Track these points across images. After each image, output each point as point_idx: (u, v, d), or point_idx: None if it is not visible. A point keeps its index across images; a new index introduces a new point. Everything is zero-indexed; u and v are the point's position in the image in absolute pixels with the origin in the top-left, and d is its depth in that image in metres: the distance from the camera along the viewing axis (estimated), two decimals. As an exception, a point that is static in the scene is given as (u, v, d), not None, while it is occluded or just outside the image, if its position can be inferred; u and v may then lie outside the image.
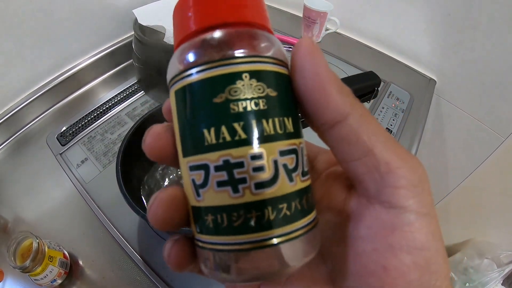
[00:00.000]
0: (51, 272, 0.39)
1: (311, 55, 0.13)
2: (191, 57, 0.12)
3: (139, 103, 0.60)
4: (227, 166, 0.11)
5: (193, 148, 0.12)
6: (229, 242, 0.11)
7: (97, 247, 0.44)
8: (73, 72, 0.63)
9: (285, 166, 0.11)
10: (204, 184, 0.12)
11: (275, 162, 0.11)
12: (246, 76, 0.12)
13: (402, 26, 0.74)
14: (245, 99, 0.11)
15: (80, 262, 0.43)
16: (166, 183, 0.46)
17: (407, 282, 0.12)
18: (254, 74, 0.12)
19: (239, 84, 0.11)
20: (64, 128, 0.57)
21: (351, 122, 0.12)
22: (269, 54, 0.13)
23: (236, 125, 0.11)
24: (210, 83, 0.12)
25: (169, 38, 0.54)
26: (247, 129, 0.11)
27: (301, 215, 0.12)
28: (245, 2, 0.13)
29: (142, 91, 0.61)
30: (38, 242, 0.38)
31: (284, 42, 0.76)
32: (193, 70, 0.12)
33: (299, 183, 0.12)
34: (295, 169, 0.12)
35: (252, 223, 0.11)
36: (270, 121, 0.11)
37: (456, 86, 0.74)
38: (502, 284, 0.90)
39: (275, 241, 0.11)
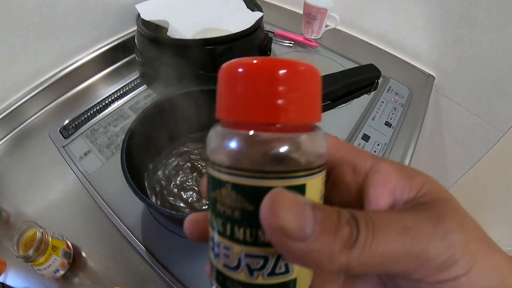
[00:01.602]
0: (54, 262, 0.39)
1: None
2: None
3: (142, 96, 0.61)
4: (212, 241, 0.14)
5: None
6: None
7: (100, 238, 0.44)
8: (76, 67, 0.63)
9: (247, 264, 0.13)
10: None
11: (239, 259, 0.13)
12: (228, 187, 0.13)
13: (401, 23, 0.75)
14: (225, 205, 0.13)
15: (83, 253, 0.43)
16: (174, 175, 0.47)
17: None
18: (234, 187, 0.13)
19: (223, 191, 0.13)
20: (67, 121, 0.57)
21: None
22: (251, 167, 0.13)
23: (218, 219, 0.13)
24: (211, 180, 0.14)
25: (172, 32, 0.54)
26: (223, 227, 0.13)
27: None
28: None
29: (145, 85, 0.62)
30: (42, 232, 0.38)
31: (285, 38, 0.77)
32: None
33: (260, 279, 0.13)
34: (259, 269, 0.13)
35: (220, 281, 0.14)
36: (241, 229, 0.13)
37: (455, 82, 0.75)
38: (501, 280, 0.91)
39: None
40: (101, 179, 0.49)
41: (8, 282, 0.40)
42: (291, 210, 0.11)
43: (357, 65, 0.71)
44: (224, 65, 0.13)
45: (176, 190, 0.45)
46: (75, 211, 0.47)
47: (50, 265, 0.39)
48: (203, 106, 0.47)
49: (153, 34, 0.54)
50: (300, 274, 0.13)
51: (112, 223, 0.45)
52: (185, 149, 0.49)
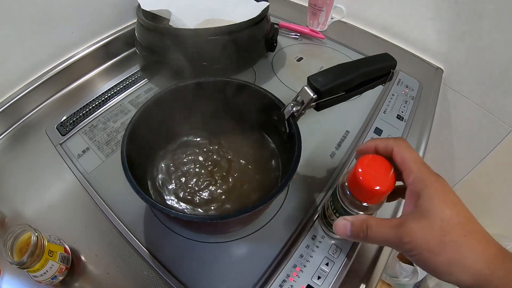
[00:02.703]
0: (51, 267, 0.36)
1: None
2: None
3: (143, 90, 0.58)
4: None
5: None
6: None
7: (100, 241, 0.41)
8: (74, 61, 0.60)
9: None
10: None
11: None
12: None
13: (408, 15, 0.73)
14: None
15: (83, 257, 0.40)
16: (176, 172, 0.44)
17: None
18: None
19: None
20: (64, 118, 0.54)
21: None
22: None
23: None
24: None
25: (175, 21, 0.52)
26: None
27: None
28: None
29: (146, 79, 0.59)
30: (37, 236, 0.35)
31: (291, 30, 0.74)
32: None
33: None
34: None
35: None
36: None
37: (463, 75, 0.73)
38: (509, 277, 0.89)
39: None
40: (100, 178, 0.46)
41: (3, 288, 0.38)
42: (343, 227, 0.30)
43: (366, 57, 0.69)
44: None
45: (181, 188, 0.42)
46: (74, 212, 0.44)
47: (46, 271, 0.36)
48: (208, 98, 0.44)
49: (154, 24, 0.51)
50: None
51: (112, 224, 0.42)
52: (190, 143, 0.47)
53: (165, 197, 0.41)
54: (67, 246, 0.40)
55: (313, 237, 0.40)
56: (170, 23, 0.51)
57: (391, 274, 1.03)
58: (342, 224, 0.29)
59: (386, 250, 0.41)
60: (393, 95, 0.59)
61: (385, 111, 0.56)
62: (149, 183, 0.42)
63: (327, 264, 0.38)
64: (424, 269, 0.25)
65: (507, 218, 0.88)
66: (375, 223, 0.27)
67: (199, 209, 0.41)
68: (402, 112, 0.57)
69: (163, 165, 0.44)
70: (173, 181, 0.43)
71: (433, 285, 0.98)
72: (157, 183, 0.43)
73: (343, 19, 0.79)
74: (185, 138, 0.47)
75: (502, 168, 0.80)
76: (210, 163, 0.45)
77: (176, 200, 0.41)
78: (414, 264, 0.99)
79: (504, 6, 0.59)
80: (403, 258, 1.02)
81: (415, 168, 0.27)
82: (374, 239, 0.27)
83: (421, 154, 0.54)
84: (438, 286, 0.97)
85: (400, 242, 0.25)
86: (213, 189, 0.42)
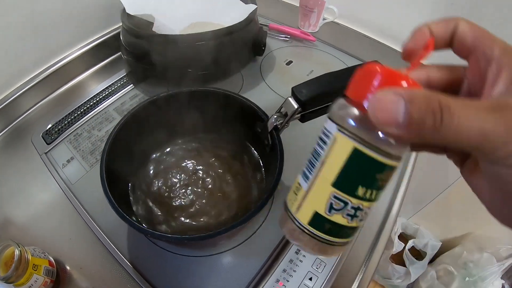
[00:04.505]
0: (36, 281, 0.36)
1: None
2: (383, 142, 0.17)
3: (128, 97, 0.57)
4: (356, 208, 0.18)
5: (346, 189, 0.18)
6: (322, 237, 0.20)
7: (85, 253, 0.41)
8: (60, 66, 0.59)
9: (357, 215, 0.19)
10: (339, 210, 0.18)
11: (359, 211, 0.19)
12: (391, 170, 0.18)
13: (403, 15, 0.71)
14: (382, 180, 0.18)
15: (68, 269, 0.40)
16: (159, 184, 0.44)
17: None
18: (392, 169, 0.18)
19: (385, 172, 0.18)
20: (50, 126, 0.53)
21: None
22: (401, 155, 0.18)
23: (374, 191, 0.18)
24: (377, 163, 0.17)
25: (158, 27, 0.50)
26: (374, 195, 0.18)
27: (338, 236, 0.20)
28: None
29: (131, 85, 0.58)
30: (20, 250, 0.35)
31: (281, 32, 0.73)
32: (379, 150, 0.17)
33: (354, 223, 0.19)
34: (357, 217, 0.19)
35: (326, 229, 0.19)
36: (375, 193, 0.18)
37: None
38: (501, 278, 0.90)
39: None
40: (84, 189, 0.46)
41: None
42: (388, 107, 0.14)
43: (357, 61, 0.68)
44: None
45: (163, 201, 0.42)
46: (58, 223, 0.44)
47: (31, 285, 0.36)
48: (192, 108, 0.44)
49: (137, 30, 0.50)
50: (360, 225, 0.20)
51: (96, 237, 0.42)
52: (172, 154, 0.46)
53: (149, 209, 0.41)
54: (51, 259, 0.39)
55: (297, 251, 0.40)
56: (154, 29, 0.50)
57: (383, 275, 1.04)
58: (389, 100, 0.14)
59: (372, 265, 0.41)
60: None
61: (375, 118, 0.55)
62: (132, 196, 0.42)
63: (310, 279, 0.38)
64: None
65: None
66: (454, 100, 0.14)
67: (182, 222, 0.40)
68: (393, 118, 0.56)
69: (146, 178, 0.44)
70: (155, 194, 0.42)
71: (426, 286, 0.98)
72: (140, 195, 0.42)
73: (336, 20, 0.77)
74: (167, 150, 0.47)
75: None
76: (193, 175, 0.44)
77: (160, 213, 0.41)
78: (408, 265, 1.00)
79: (501, 8, 0.57)
80: (395, 260, 1.02)
81: (498, 41, 0.17)
82: (456, 132, 0.14)
83: (412, 160, 0.54)
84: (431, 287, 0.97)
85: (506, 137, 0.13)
86: (196, 203, 0.42)
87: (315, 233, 0.19)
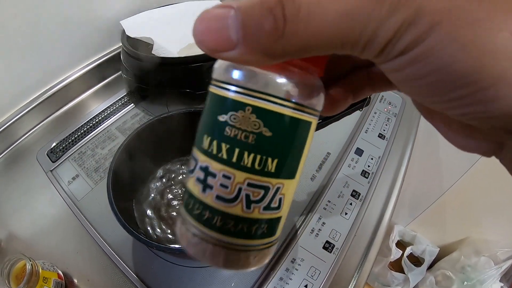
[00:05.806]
0: (45, 294, 0.38)
1: None
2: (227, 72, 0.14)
3: (130, 116, 0.59)
4: (205, 170, 0.14)
5: (197, 142, 0.15)
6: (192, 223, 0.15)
7: (91, 265, 0.43)
8: (62, 86, 0.61)
9: (247, 195, 0.13)
10: (191, 172, 0.15)
11: (239, 189, 0.13)
12: (248, 109, 0.13)
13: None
14: (239, 129, 0.13)
15: (75, 281, 0.42)
16: (163, 198, 0.46)
17: None
18: (256, 110, 0.13)
19: (239, 113, 0.13)
20: (54, 144, 0.56)
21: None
22: (285, 96, 0.13)
23: (223, 145, 0.13)
24: (220, 101, 0.14)
25: (157, 50, 0.53)
26: (229, 152, 0.13)
27: (246, 236, 0.14)
28: None
29: (132, 104, 0.61)
30: (31, 264, 0.38)
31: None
32: (220, 85, 0.14)
33: (256, 214, 0.14)
34: (257, 201, 0.13)
35: (204, 219, 0.14)
36: (251, 155, 0.13)
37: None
38: (500, 281, 0.91)
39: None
40: (90, 205, 0.48)
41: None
42: (214, 25, 0.11)
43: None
44: None
45: (168, 214, 0.44)
46: (65, 237, 0.46)
47: (41, 297, 0.38)
48: (190, 127, 0.46)
49: (137, 52, 0.53)
50: (284, 213, 0.15)
51: (102, 250, 0.44)
52: (174, 171, 0.49)
53: (155, 223, 0.43)
54: (60, 272, 0.41)
55: (293, 260, 0.42)
56: (153, 52, 0.52)
57: (383, 283, 1.04)
58: (216, 14, 0.11)
59: (366, 269, 0.43)
60: (375, 113, 0.61)
61: (366, 130, 0.57)
62: (136, 211, 0.44)
63: (305, 286, 0.40)
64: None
65: (496, 224, 0.90)
66: None
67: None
68: (384, 130, 0.58)
69: (150, 193, 0.46)
70: (159, 208, 0.45)
71: (425, 291, 0.99)
72: (145, 210, 0.44)
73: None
74: (171, 167, 0.49)
75: (489, 176, 0.81)
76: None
77: (164, 226, 0.43)
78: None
79: None
80: (394, 267, 1.03)
81: None
82: (307, 26, 0.10)
83: (402, 172, 0.55)
84: (430, 292, 0.98)
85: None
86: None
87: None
